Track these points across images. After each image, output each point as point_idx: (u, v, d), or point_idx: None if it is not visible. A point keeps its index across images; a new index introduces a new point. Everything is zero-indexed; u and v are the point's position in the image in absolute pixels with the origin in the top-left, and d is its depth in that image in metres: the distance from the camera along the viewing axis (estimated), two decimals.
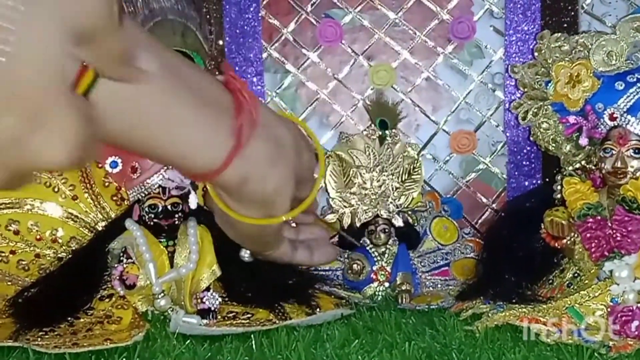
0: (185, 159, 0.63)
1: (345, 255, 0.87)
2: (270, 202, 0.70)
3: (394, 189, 0.88)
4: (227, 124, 0.63)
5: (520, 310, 0.74)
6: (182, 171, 0.65)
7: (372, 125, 0.90)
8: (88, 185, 0.84)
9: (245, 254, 0.79)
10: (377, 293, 0.86)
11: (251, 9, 0.96)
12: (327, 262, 0.81)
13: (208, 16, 0.94)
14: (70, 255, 0.81)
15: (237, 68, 0.96)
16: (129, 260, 0.78)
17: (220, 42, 0.96)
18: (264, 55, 0.98)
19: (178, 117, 0.60)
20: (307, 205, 0.72)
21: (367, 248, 0.87)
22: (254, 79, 0.97)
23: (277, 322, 0.74)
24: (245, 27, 0.96)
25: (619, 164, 0.77)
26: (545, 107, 0.86)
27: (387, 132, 0.89)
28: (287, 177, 0.69)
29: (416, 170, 0.89)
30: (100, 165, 0.83)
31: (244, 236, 0.73)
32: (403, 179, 0.89)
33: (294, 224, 0.82)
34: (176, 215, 0.79)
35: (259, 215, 0.71)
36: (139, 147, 0.61)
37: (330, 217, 0.88)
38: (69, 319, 0.74)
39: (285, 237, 0.76)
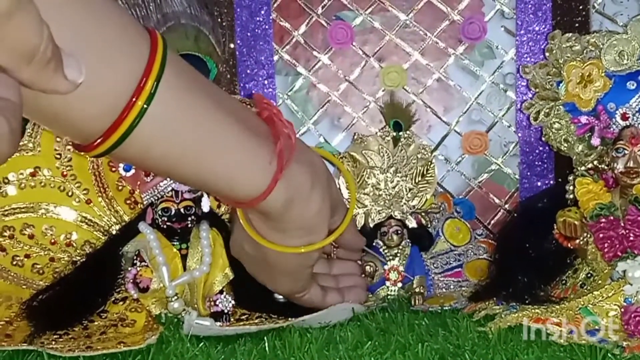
0: (232, 183, 0.64)
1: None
2: (313, 225, 0.70)
3: (408, 190, 0.88)
4: (268, 148, 0.63)
5: (533, 311, 0.74)
6: (228, 197, 0.65)
7: (386, 126, 0.90)
8: (102, 189, 0.84)
9: (279, 295, 0.80)
10: (391, 293, 0.86)
11: (262, 12, 0.97)
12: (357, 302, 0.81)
13: (220, 19, 0.95)
14: (84, 259, 0.82)
15: (248, 71, 0.97)
16: (143, 264, 0.79)
17: (232, 46, 0.96)
18: (275, 57, 0.98)
19: (224, 143, 0.61)
20: (344, 228, 0.73)
21: (380, 249, 0.87)
22: (265, 82, 0.97)
23: (290, 319, 0.74)
24: (257, 30, 0.97)
25: (631, 164, 0.77)
26: (557, 107, 0.86)
27: (401, 133, 0.89)
28: (325, 200, 0.69)
29: (430, 171, 0.89)
30: (113, 169, 0.83)
31: (281, 274, 0.74)
32: (417, 180, 0.89)
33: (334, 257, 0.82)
34: (189, 219, 0.80)
35: (300, 242, 0.71)
36: (186, 175, 0.61)
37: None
38: (83, 322, 0.75)
39: (316, 273, 0.77)
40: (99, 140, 0.53)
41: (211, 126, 0.58)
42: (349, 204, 0.76)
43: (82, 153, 0.56)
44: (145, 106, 0.52)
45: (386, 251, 0.87)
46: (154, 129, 0.54)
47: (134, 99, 0.52)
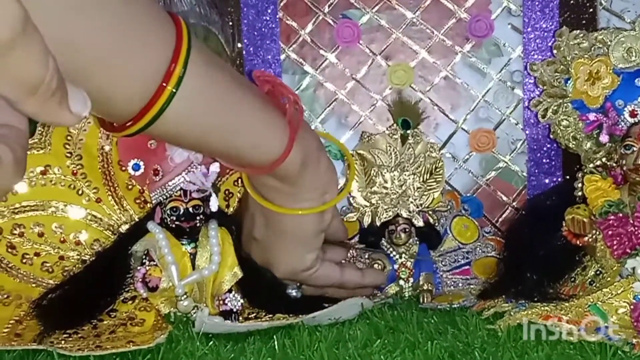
0: (255, 150, 0.70)
1: (366, 256, 0.87)
2: (326, 182, 0.75)
3: (415, 188, 0.88)
4: (280, 116, 0.68)
5: (542, 308, 0.74)
6: (251, 164, 0.70)
7: (394, 124, 0.90)
8: (111, 188, 0.84)
9: (292, 290, 0.81)
10: (403, 290, 0.86)
11: (269, 11, 0.97)
12: (376, 284, 0.84)
13: (227, 18, 0.95)
14: (93, 258, 0.82)
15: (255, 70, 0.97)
16: (152, 263, 0.79)
17: (239, 45, 0.96)
18: (282, 56, 0.98)
19: (246, 114, 0.67)
20: (348, 190, 0.81)
21: (386, 249, 0.87)
22: None
23: (299, 315, 0.74)
24: (263, 29, 0.97)
25: None
26: (565, 104, 0.86)
27: (409, 131, 0.89)
28: (331, 164, 0.75)
29: (438, 170, 0.89)
30: (123, 169, 0.83)
31: (295, 246, 0.76)
32: (425, 178, 0.88)
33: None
34: (197, 218, 0.80)
35: (317, 203, 0.74)
36: (213, 147, 0.67)
37: (351, 216, 0.88)
38: (93, 321, 0.75)
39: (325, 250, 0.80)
40: (129, 123, 0.55)
41: (232, 101, 0.62)
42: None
43: (112, 133, 0.59)
44: (174, 90, 0.55)
45: (391, 250, 0.87)
46: (182, 108, 0.57)
47: (164, 84, 0.54)
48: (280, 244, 0.76)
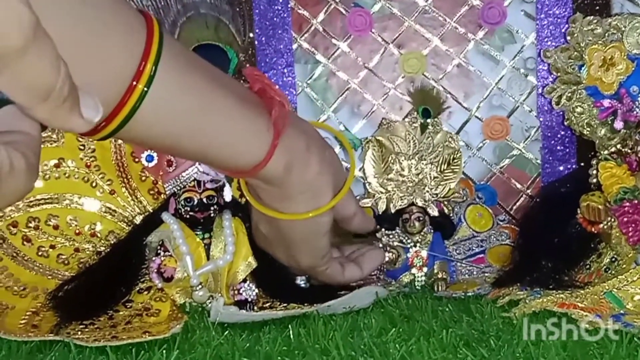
0: (233, 153, 0.65)
1: (380, 245, 0.87)
2: (316, 187, 0.70)
3: (432, 178, 0.88)
4: (264, 117, 0.65)
5: (557, 296, 0.73)
6: (231, 168, 0.67)
7: (415, 112, 0.90)
8: (125, 179, 0.85)
9: (301, 282, 0.81)
10: (416, 279, 0.86)
11: (280, 1, 0.96)
12: (376, 266, 0.82)
13: (238, 9, 0.95)
14: (108, 249, 0.82)
15: (267, 60, 0.97)
16: (167, 253, 0.79)
17: (251, 35, 0.96)
18: (294, 46, 0.98)
19: (223, 115, 0.63)
20: (346, 191, 0.74)
21: (400, 238, 0.87)
22: (285, 70, 0.97)
23: (314, 304, 0.74)
24: (275, 19, 0.96)
25: None
26: (579, 91, 0.85)
27: (429, 120, 0.89)
28: (323, 162, 0.70)
29: (456, 160, 0.89)
30: (136, 160, 0.84)
31: (298, 247, 0.74)
32: (442, 168, 0.88)
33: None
34: (211, 208, 0.80)
35: (306, 208, 0.71)
36: (189, 149, 0.63)
37: (366, 202, 0.88)
38: (109, 312, 0.75)
39: (334, 257, 0.78)
40: (102, 124, 0.54)
41: (209, 101, 0.60)
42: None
43: (87, 138, 0.57)
44: (145, 89, 0.53)
45: (408, 238, 0.87)
46: (155, 109, 0.55)
47: (134, 83, 0.53)
48: (283, 243, 0.75)
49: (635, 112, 0.80)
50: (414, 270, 0.86)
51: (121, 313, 0.76)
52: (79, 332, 0.70)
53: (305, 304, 0.76)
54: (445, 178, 0.88)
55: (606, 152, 0.82)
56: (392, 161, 0.88)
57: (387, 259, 0.86)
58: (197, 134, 0.60)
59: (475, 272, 0.89)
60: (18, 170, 0.35)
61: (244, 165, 0.65)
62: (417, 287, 0.86)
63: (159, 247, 0.80)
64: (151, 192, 0.85)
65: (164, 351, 0.65)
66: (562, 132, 0.95)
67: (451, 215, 0.90)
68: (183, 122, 0.59)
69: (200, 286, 0.78)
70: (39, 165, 0.38)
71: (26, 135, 0.37)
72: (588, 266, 0.79)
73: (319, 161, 0.69)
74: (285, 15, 0.97)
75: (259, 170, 0.65)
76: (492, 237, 0.91)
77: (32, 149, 0.37)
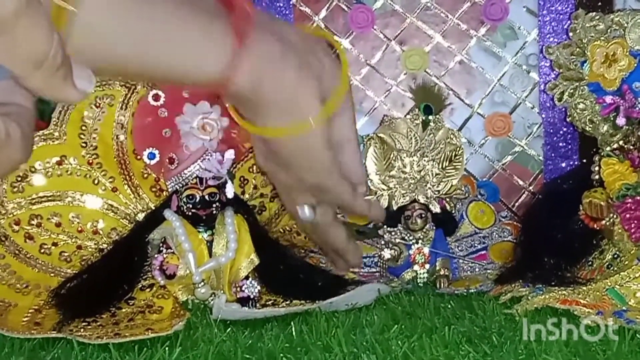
0: (191, 65, 0.59)
1: (382, 242, 0.87)
2: (295, 101, 0.64)
3: (434, 174, 0.88)
4: (222, 25, 0.59)
5: (559, 292, 0.73)
6: (196, 82, 0.61)
7: (416, 109, 0.90)
8: (127, 177, 0.85)
9: (305, 211, 0.78)
10: (418, 276, 0.86)
11: None
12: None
13: None
14: (111, 247, 0.83)
15: None
16: (169, 251, 0.79)
17: None
18: None
19: (174, 26, 0.57)
20: (342, 94, 0.68)
21: (402, 235, 0.87)
22: None
23: (316, 301, 0.74)
24: (277, 16, 0.96)
25: None
26: (581, 87, 0.85)
27: (431, 117, 0.89)
28: (304, 73, 0.64)
29: (458, 157, 0.88)
30: (138, 157, 0.84)
31: (297, 167, 0.69)
32: (444, 165, 0.88)
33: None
34: (214, 205, 0.80)
35: (290, 121, 0.65)
36: (138, 68, 0.58)
37: (368, 199, 0.88)
38: (111, 309, 0.75)
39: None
40: None
41: (157, 14, 0.56)
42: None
43: None
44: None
45: (410, 235, 0.87)
46: (99, 14, 0.51)
47: None
48: (280, 161, 0.70)
49: (637, 109, 0.80)
50: (416, 267, 0.86)
51: (124, 310, 0.76)
52: (82, 330, 0.70)
53: (308, 301, 0.76)
54: (447, 175, 0.88)
55: (608, 148, 0.82)
56: (394, 158, 0.87)
57: (389, 256, 0.86)
58: (152, 43, 0.56)
59: (477, 269, 0.89)
60: (14, 138, 0.36)
61: (207, 78, 0.60)
62: (419, 284, 0.86)
63: (161, 245, 0.80)
64: (153, 189, 0.85)
65: (167, 348, 0.65)
66: (565, 129, 0.95)
67: (453, 212, 0.90)
68: (132, 40, 0.55)
69: (202, 283, 0.78)
70: (33, 136, 0.39)
71: (20, 107, 0.38)
72: (590, 263, 0.79)
73: (296, 67, 0.63)
74: (287, 12, 0.97)
75: (227, 83, 0.60)
76: (494, 233, 0.91)
77: (26, 119, 0.37)
